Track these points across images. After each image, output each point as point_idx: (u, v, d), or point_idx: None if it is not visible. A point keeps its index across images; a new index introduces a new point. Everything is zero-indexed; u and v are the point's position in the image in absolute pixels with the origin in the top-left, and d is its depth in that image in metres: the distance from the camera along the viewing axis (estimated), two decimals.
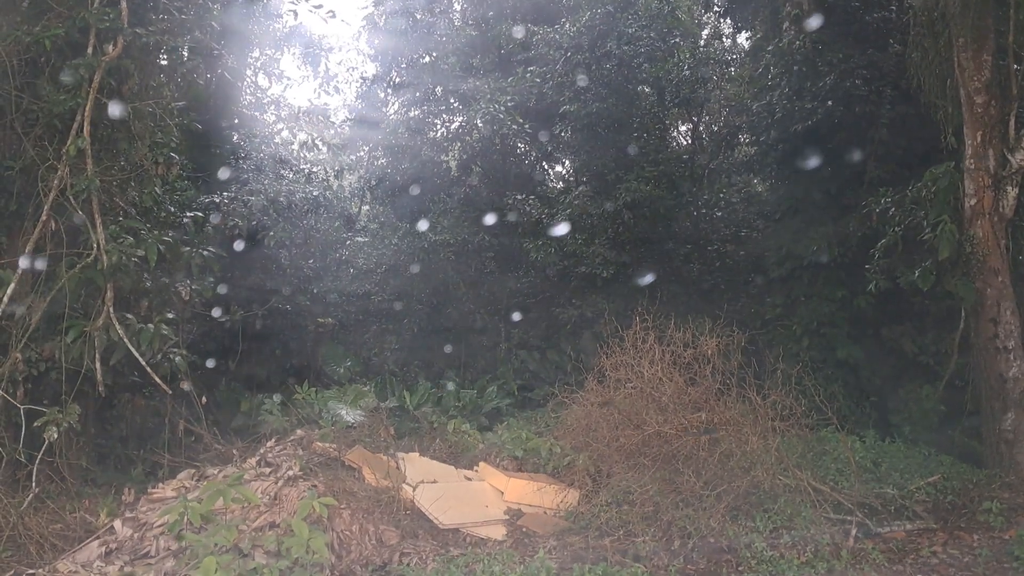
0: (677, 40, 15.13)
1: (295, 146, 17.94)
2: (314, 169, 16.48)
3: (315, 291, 14.67)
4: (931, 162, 10.98)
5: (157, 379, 9.02)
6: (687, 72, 15.43)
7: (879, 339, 12.89)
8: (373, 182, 17.42)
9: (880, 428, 11.62)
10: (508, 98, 15.82)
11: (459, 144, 18.00)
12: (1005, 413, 9.97)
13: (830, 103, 13.23)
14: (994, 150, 10.29)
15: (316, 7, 15.73)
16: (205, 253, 11.04)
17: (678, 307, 12.54)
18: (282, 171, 15.19)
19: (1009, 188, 10.27)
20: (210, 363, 12.42)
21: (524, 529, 8.70)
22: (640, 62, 14.85)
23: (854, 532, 7.78)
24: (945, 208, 10.42)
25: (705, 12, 18.95)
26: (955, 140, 10.75)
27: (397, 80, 18.69)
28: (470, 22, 18.21)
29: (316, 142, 16.47)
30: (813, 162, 13.49)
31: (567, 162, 17.94)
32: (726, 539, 7.51)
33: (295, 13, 16.57)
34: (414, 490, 9.03)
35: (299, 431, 10.59)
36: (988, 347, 10.20)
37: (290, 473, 8.93)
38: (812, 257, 13.21)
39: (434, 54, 17.91)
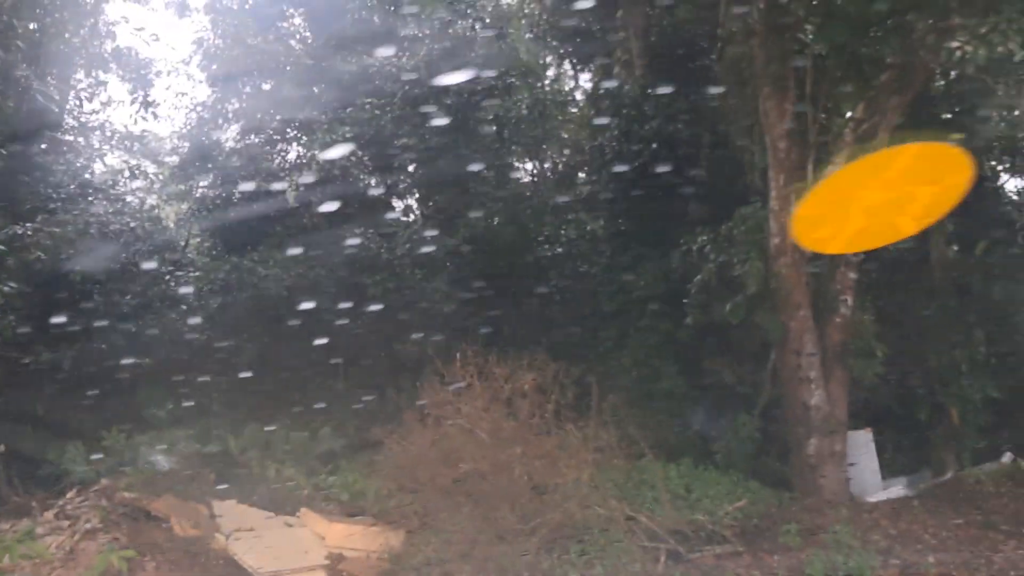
0: (513, 80, 15.42)
1: (125, 174, 16.98)
2: (130, 199, 15.58)
3: (133, 329, 13.74)
4: (745, 203, 11.65)
5: None
6: (526, 111, 15.75)
7: (702, 370, 13.45)
8: (202, 213, 16.68)
9: (703, 456, 12.07)
10: (347, 129, 15.57)
11: (297, 175, 17.57)
12: (808, 439, 10.60)
13: (655, 145, 13.85)
14: (795, 193, 11.02)
15: (138, 29, 15.09)
16: (6, 289, 10.24)
17: (518, 342, 12.63)
18: (95, 199, 14.22)
19: None
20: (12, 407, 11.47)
21: (345, 573, 8.56)
22: (478, 99, 15.03)
23: (663, 559, 7.99)
24: (753, 246, 11.05)
25: (548, 55, 19.48)
26: (762, 182, 11.47)
27: (234, 107, 18.07)
28: (310, 51, 17.88)
29: (137, 169, 15.58)
30: (641, 201, 14.06)
31: (409, 196, 17.86)
32: (540, 572, 7.54)
33: (114, 35, 15.93)
34: (228, 539, 8.76)
35: (104, 480, 10.02)
36: (793, 377, 10.85)
37: (88, 526, 8.51)
38: (640, 292, 13.68)
39: (272, 82, 17.47)
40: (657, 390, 13.29)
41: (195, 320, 14.66)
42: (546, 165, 19.97)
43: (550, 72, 20.14)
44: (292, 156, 17.28)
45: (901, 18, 8.73)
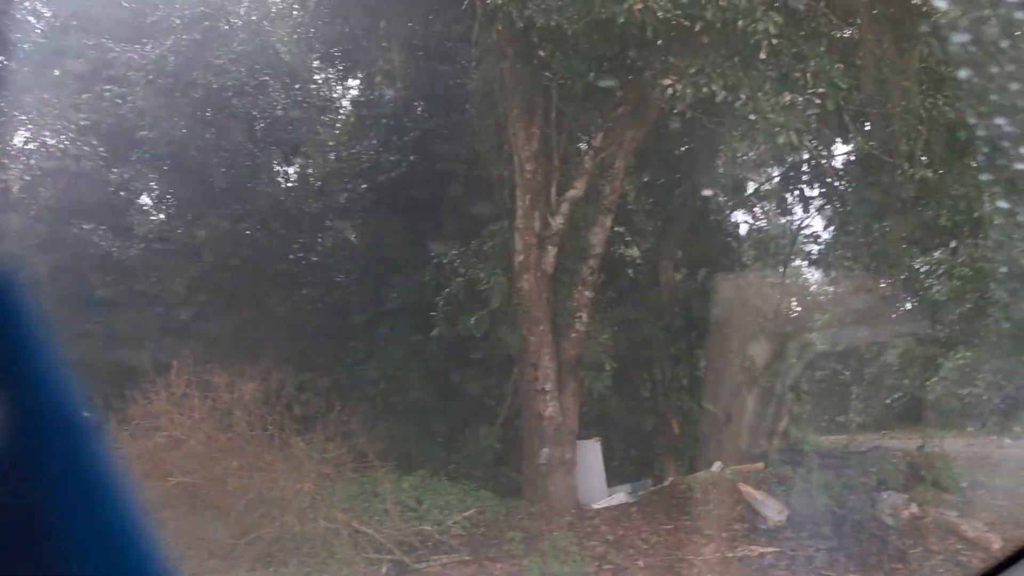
0: (267, 78, 14.82)
1: None
2: None
3: None
4: (496, 220, 11.97)
5: None
6: (281, 112, 15.20)
7: (450, 382, 13.60)
8: None
9: (442, 467, 12.17)
10: (82, 116, 14.23)
11: (23, 162, 15.77)
12: (542, 448, 11.03)
13: (413, 158, 13.90)
14: (539, 212, 11.51)
15: None
16: None
17: (259, 352, 12.07)
18: None
19: (550, 247, 11.53)
20: None
21: None
22: (229, 95, 14.29)
23: (385, 570, 7.93)
24: (499, 262, 11.40)
25: (315, 58, 18.97)
26: (510, 201, 11.86)
27: None
28: (47, 30, 16.18)
29: None
30: (397, 212, 14.04)
31: (148, 193, 16.58)
32: None
33: None
34: None
35: None
36: (530, 389, 11.26)
37: None
38: (392, 303, 13.62)
39: (2, 59, 15.58)
40: (404, 402, 13.27)
41: None
42: (309, 171, 19.40)
43: (318, 77, 19.67)
44: (18, 141, 15.48)
45: (627, 55, 9.37)
